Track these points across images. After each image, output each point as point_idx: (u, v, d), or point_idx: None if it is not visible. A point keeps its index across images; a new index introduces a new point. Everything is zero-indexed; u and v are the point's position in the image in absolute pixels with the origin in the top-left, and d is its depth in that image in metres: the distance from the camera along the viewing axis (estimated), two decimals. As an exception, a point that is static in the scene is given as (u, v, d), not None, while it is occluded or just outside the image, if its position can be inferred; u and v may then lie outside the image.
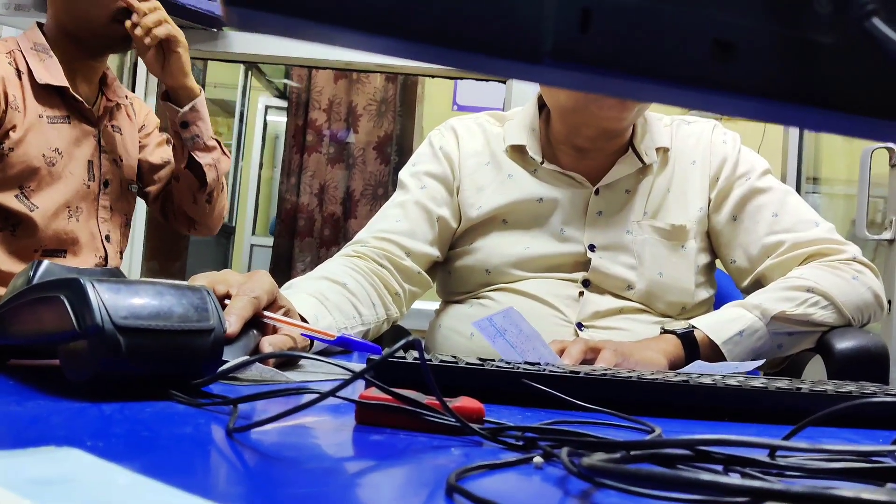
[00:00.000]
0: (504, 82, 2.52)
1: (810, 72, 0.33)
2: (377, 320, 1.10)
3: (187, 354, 0.56)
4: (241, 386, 0.62)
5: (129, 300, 0.54)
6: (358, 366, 0.70)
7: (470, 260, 1.22)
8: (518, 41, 0.31)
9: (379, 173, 3.57)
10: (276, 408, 0.49)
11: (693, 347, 1.05)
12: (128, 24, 1.47)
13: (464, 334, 1.18)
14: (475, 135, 1.27)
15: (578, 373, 0.71)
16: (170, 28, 1.50)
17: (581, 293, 1.17)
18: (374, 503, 0.38)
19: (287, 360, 0.76)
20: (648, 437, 0.53)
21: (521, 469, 0.43)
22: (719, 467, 0.42)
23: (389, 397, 0.51)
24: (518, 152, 1.24)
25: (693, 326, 1.07)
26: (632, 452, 0.43)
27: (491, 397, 0.66)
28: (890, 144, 2.08)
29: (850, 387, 0.76)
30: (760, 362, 1.01)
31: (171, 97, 1.57)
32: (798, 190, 2.30)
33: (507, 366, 0.71)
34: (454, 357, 0.75)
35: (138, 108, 1.74)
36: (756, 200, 1.20)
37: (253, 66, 4.41)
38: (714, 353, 1.05)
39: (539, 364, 0.75)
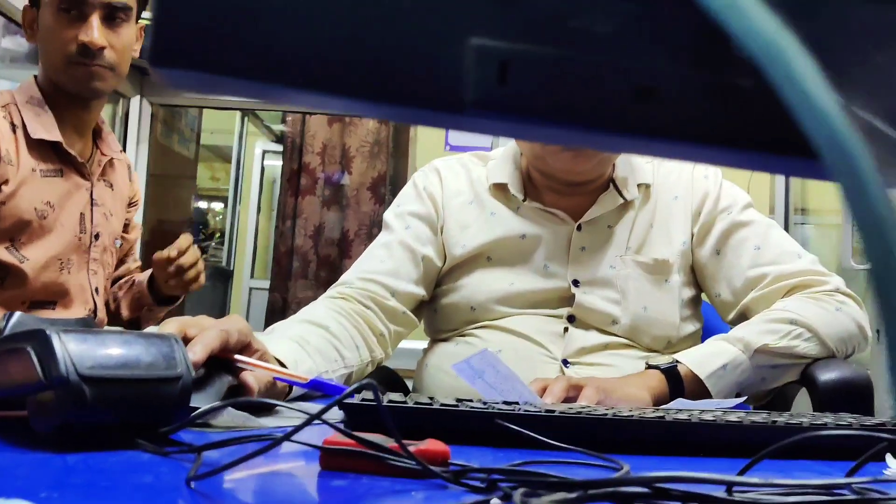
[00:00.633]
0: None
1: (731, 114, 0.34)
2: (361, 362, 1.10)
3: (155, 402, 0.56)
4: (211, 433, 0.63)
5: (96, 350, 0.54)
6: (331, 411, 0.71)
7: (455, 297, 1.22)
8: (441, 92, 0.31)
9: (373, 213, 3.59)
10: (242, 455, 0.49)
11: (677, 382, 1.05)
12: (170, 269, 1.58)
13: (450, 373, 1.18)
14: (458, 175, 1.29)
15: (553, 411, 0.71)
16: (203, 279, 1.62)
17: (566, 329, 1.17)
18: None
19: (261, 406, 0.76)
20: (612, 476, 0.53)
21: (478, 511, 0.43)
22: (675, 504, 0.42)
23: (354, 442, 0.52)
24: (501, 190, 1.25)
25: (677, 361, 1.07)
26: (589, 491, 0.43)
27: (467, 438, 0.66)
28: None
29: (826, 419, 0.76)
30: (741, 400, 1.01)
31: (159, 296, 1.65)
32: (787, 221, 2.31)
33: (481, 406, 0.71)
34: (430, 398, 0.75)
35: (134, 177, 1.77)
36: (739, 234, 1.21)
37: (249, 111, 4.47)
38: (698, 388, 1.05)
39: (515, 403, 0.75)
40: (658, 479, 0.44)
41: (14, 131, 1.47)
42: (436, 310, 1.26)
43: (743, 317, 1.19)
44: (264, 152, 5.20)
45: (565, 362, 1.14)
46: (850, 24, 0.30)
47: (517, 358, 1.14)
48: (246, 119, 4.77)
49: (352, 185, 3.67)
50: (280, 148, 4.54)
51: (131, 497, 0.42)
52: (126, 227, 1.75)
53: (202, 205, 6.45)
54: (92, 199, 1.58)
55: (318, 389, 0.79)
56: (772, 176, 2.47)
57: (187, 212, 3.80)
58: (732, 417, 0.73)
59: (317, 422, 0.52)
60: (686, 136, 0.33)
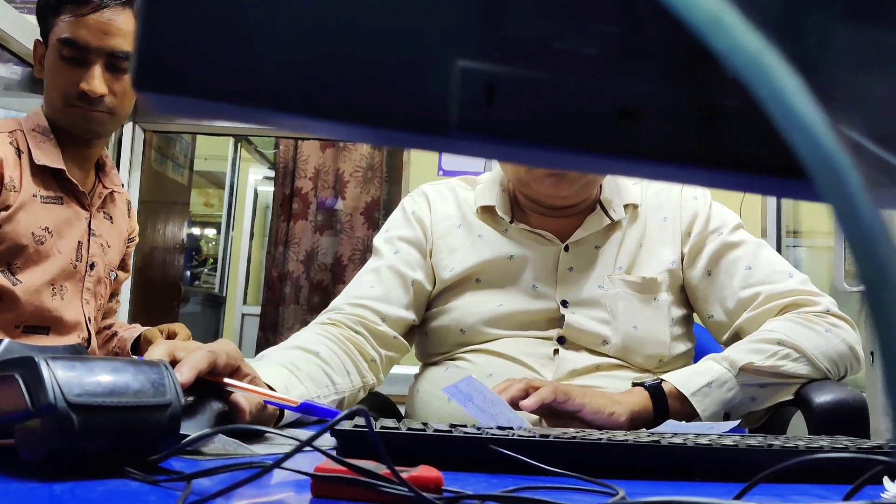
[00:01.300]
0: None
1: (716, 135, 0.34)
2: (352, 388, 1.09)
3: (143, 430, 0.56)
4: (201, 460, 0.62)
5: (84, 377, 0.54)
6: (324, 437, 0.70)
7: (445, 320, 1.22)
8: (426, 115, 0.31)
9: (367, 238, 3.59)
10: (232, 482, 0.48)
11: (661, 400, 1.05)
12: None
13: (441, 398, 1.17)
14: (446, 199, 1.29)
15: (548, 436, 0.71)
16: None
17: (556, 351, 1.17)
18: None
19: (251, 433, 0.75)
20: (608, 501, 0.53)
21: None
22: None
23: (346, 469, 0.51)
24: (488, 213, 1.26)
25: (662, 379, 1.07)
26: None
27: (460, 464, 0.66)
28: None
29: (822, 442, 0.76)
30: (734, 423, 1.01)
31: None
32: (779, 243, 2.32)
33: (474, 431, 0.71)
34: (423, 424, 0.74)
35: (133, 213, 1.78)
36: (729, 255, 1.21)
37: (242, 137, 4.48)
38: (683, 406, 1.05)
39: (509, 428, 0.74)
40: (651, 504, 0.43)
41: (19, 157, 1.49)
42: (426, 333, 1.25)
43: (737, 337, 1.19)
44: (257, 179, 5.21)
45: (557, 386, 1.14)
46: (835, 43, 0.30)
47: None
48: (239, 145, 4.79)
49: (345, 210, 3.68)
50: (273, 174, 4.56)
51: (117, 527, 0.42)
52: (122, 264, 1.76)
53: (195, 231, 6.44)
54: (90, 230, 1.59)
55: (308, 412, 0.78)
56: (763, 198, 2.48)
57: (180, 238, 3.79)
58: (728, 441, 0.73)
59: (308, 448, 0.51)
60: (671, 157, 0.33)
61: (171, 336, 1.58)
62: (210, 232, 6.54)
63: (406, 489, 0.48)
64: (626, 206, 1.24)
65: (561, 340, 1.18)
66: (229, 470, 0.55)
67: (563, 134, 0.31)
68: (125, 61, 1.48)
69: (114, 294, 1.78)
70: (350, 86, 0.30)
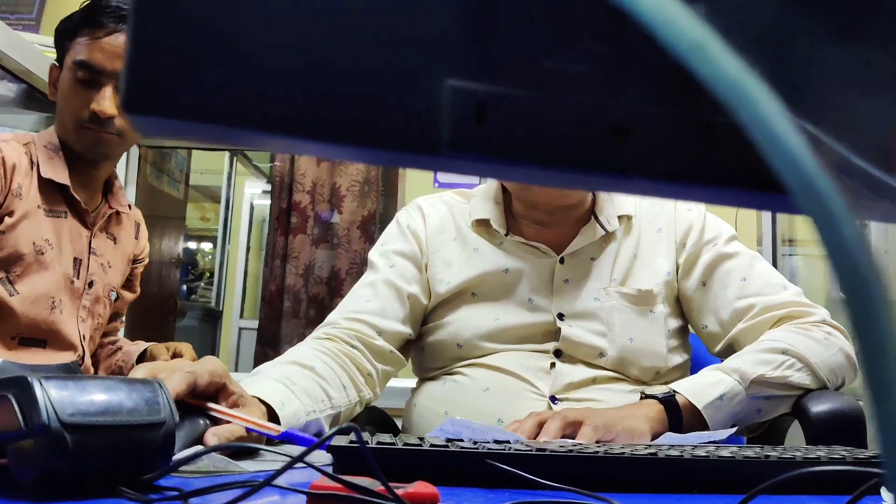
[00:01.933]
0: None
1: (708, 151, 0.34)
2: (348, 403, 1.09)
3: (137, 449, 0.56)
4: (193, 478, 0.62)
5: (78, 397, 0.54)
6: (319, 454, 0.70)
7: (442, 334, 1.22)
8: (417, 135, 0.31)
9: (363, 251, 3.59)
10: (228, 500, 0.48)
11: (675, 412, 1.04)
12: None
13: (438, 413, 1.17)
14: (441, 212, 1.29)
15: (544, 450, 0.71)
16: None
17: (553, 364, 1.16)
18: None
19: (243, 450, 0.74)
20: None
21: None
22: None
23: (340, 486, 0.51)
24: (483, 226, 1.26)
25: (674, 391, 1.06)
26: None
27: (457, 479, 0.65)
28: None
29: (819, 452, 0.76)
30: (732, 430, 1.01)
31: None
32: (774, 252, 2.32)
33: (471, 446, 0.70)
34: (420, 438, 0.74)
35: (142, 235, 1.78)
36: (724, 266, 1.21)
37: (238, 151, 4.49)
38: (695, 418, 1.04)
39: (506, 442, 0.74)
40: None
41: (31, 167, 1.51)
42: (423, 348, 1.25)
43: (731, 348, 1.19)
44: (253, 193, 5.21)
45: (553, 399, 1.14)
46: (819, 60, 0.30)
47: (504, 396, 1.13)
48: (235, 159, 4.79)
49: (342, 224, 3.68)
50: (269, 187, 4.55)
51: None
52: (129, 284, 1.76)
53: (191, 245, 6.44)
54: (90, 248, 1.59)
55: (289, 441, 0.78)
56: (758, 207, 2.48)
57: (176, 252, 3.79)
58: (725, 453, 0.73)
59: (302, 465, 0.51)
60: (663, 174, 0.33)
61: (176, 355, 1.58)
62: (206, 246, 6.54)
63: (402, 506, 0.48)
64: (620, 218, 1.25)
65: (557, 353, 1.18)
66: (224, 488, 0.54)
67: (555, 152, 0.31)
68: None
69: (117, 314, 1.78)
70: (340, 106, 0.31)
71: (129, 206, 1.73)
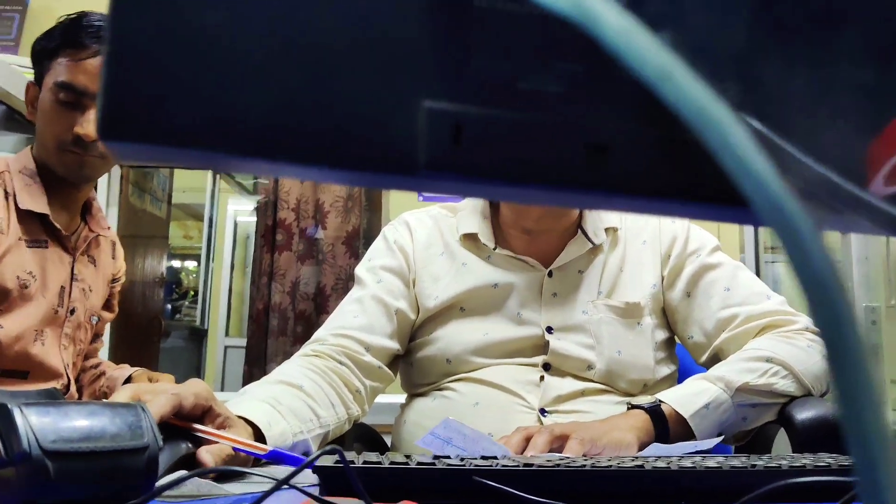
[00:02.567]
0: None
1: (685, 167, 0.34)
2: (337, 421, 1.08)
3: (121, 475, 0.55)
4: (179, 502, 0.61)
5: (59, 423, 0.53)
6: (306, 475, 0.69)
7: (431, 350, 1.21)
8: (394, 156, 0.32)
9: (349, 267, 3.58)
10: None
11: (662, 422, 1.04)
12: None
13: (428, 428, 1.17)
14: (428, 227, 1.29)
15: (532, 465, 0.70)
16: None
17: (542, 377, 1.16)
18: None
19: (228, 473, 0.74)
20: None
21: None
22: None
23: (327, 507, 0.50)
24: (471, 240, 1.26)
25: (659, 401, 1.06)
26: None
27: (445, 496, 0.65)
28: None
29: (805, 460, 0.76)
30: (719, 439, 1.01)
31: None
32: (757, 259, 2.34)
33: (458, 463, 0.70)
34: (407, 456, 0.74)
35: (119, 254, 1.75)
36: (708, 276, 1.22)
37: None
38: (682, 428, 1.05)
39: (493, 458, 0.74)
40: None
41: (7, 199, 1.47)
42: (412, 364, 1.25)
43: (716, 358, 1.19)
44: (237, 210, 5.20)
45: (542, 411, 1.14)
46: (787, 79, 0.30)
47: (494, 410, 1.13)
48: (217, 177, 4.78)
49: (327, 240, 3.67)
50: (253, 205, 4.54)
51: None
52: (108, 304, 1.73)
53: (175, 263, 6.40)
54: (73, 274, 1.57)
55: (276, 460, 0.77)
56: (740, 216, 2.50)
57: (160, 271, 3.77)
58: (712, 463, 0.73)
59: (288, 487, 0.50)
60: (642, 190, 0.33)
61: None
62: (190, 264, 6.50)
63: (389, 527, 0.48)
64: (606, 230, 1.25)
65: (546, 367, 1.18)
66: (210, 513, 0.54)
67: (532, 171, 0.31)
68: None
69: (97, 335, 1.76)
70: (317, 129, 0.31)
71: (108, 228, 1.71)
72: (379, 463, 0.68)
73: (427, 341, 1.22)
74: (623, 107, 0.34)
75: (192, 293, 5.86)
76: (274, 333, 3.61)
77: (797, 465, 0.72)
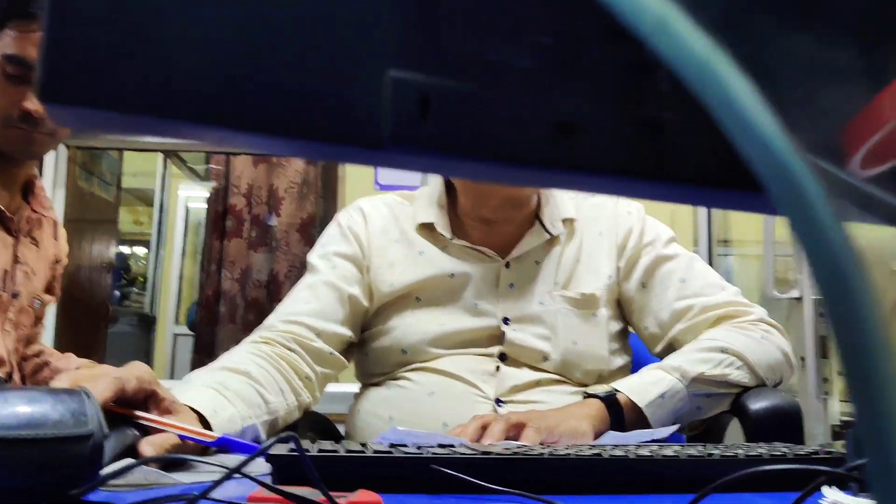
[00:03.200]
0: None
1: (654, 147, 0.33)
2: (287, 407, 1.06)
3: (64, 463, 0.53)
4: (123, 492, 0.59)
5: (-2, 409, 0.51)
6: (258, 463, 0.67)
7: (386, 340, 1.20)
8: (357, 128, 0.30)
9: (303, 254, 3.54)
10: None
11: (617, 411, 1.05)
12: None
13: (383, 418, 1.16)
14: (383, 214, 1.28)
15: (489, 453, 0.70)
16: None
17: (498, 367, 1.16)
18: None
19: (176, 461, 0.71)
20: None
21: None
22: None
23: (279, 497, 0.49)
24: (427, 230, 1.24)
25: (615, 390, 1.07)
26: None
27: (402, 485, 0.64)
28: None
29: (761, 449, 0.76)
30: (675, 428, 1.02)
31: None
32: (710, 252, 2.37)
33: (415, 451, 0.69)
34: (363, 445, 0.72)
35: (61, 235, 1.69)
36: (663, 267, 1.23)
37: (172, 153, 4.38)
38: (637, 416, 1.05)
39: (450, 446, 0.73)
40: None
41: None
42: (366, 353, 1.23)
43: (671, 348, 1.20)
44: (188, 195, 5.10)
45: (498, 401, 1.13)
46: (768, 56, 0.30)
47: (449, 399, 1.12)
48: (168, 161, 4.68)
49: (280, 227, 3.62)
50: (204, 191, 4.46)
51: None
52: (50, 287, 1.67)
53: (125, 249, 6.26)
54: (16, 257, 1.51)
55: (225, 448, 0.75)
56: (694, 208, 2.54)
57: (108, 257, 3.68)
58: (669, 452, 0.73)
59: (240, 476, 0.49)
60: (611, 170, 0.32)
61: None
62: (140, 250, 6.37)
63: (344, 516, 0.46)
64: (563, 221, 1.25)
65: (502, 357, 1.17)
66: (162, 502, 0.52)
67: (500, 148, 0.30)
68: None
69: (38, 319, 1.70)
70: (275, 96, 0.29)
71: (51, 208, 1.65)
72: (335, 451, 0.67)
73: (382, 331, 1.21)
74: (595, 84, 0.33)
75: (141, 279, 5.75)
76: (223, 321, 3.56)
77: (753, 454, 0.72)
